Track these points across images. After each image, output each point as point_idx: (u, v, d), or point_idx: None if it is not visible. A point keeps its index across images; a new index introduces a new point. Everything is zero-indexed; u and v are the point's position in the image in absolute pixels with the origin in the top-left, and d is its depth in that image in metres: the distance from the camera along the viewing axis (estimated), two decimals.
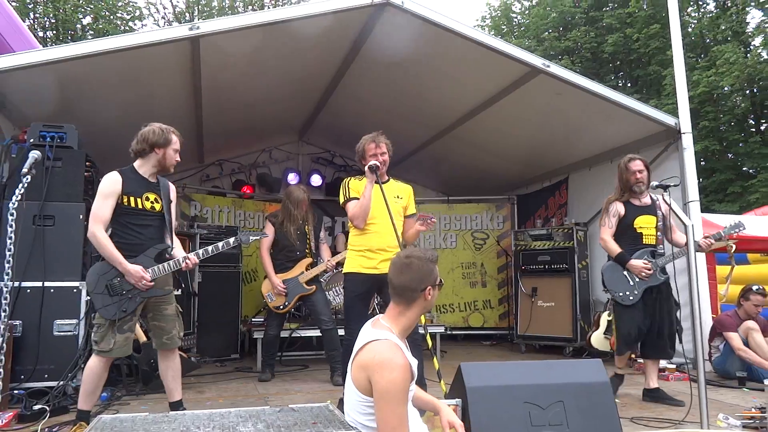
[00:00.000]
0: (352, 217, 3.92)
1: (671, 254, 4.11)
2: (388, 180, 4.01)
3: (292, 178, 8.21)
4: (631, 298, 4.15)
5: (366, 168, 3.81)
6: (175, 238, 3.51)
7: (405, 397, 1.92)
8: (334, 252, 6.15)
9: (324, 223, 8.15)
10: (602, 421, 2.54)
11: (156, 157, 3.36)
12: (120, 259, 3.17)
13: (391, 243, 3.82)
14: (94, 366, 3.20)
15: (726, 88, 16.08)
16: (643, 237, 4.24)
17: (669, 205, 3.40)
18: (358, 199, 3.91)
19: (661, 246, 4.26)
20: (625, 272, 4.20)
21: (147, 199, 3.33)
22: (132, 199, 3.28)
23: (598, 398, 2.57)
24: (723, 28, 16.99)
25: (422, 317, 3.78)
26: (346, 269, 4.02)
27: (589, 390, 2.58)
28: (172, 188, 3.56)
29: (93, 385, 3.21)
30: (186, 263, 3.36)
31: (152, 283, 3.24)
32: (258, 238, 3.96)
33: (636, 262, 4.14)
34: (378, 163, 3.81)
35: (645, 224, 4.23)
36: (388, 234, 3.82)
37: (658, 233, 4.25)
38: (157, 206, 3.37)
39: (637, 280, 4.16)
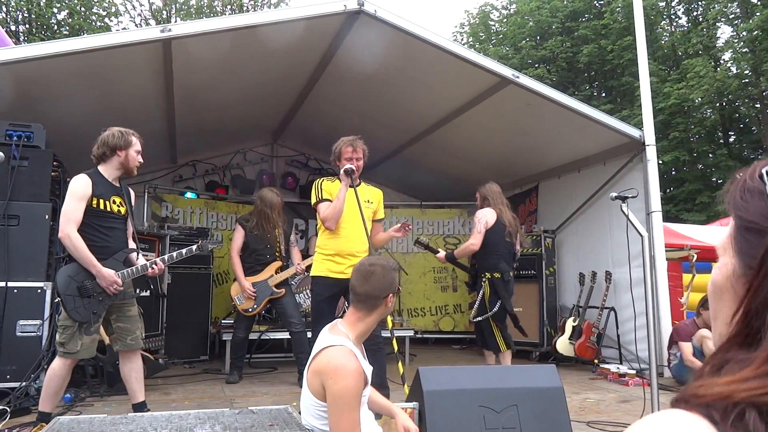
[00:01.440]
0: (324, 219, 3.94)
1: None
2: (359, 183, 4.05)
3: (267, 181, 8.22)
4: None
5: (342, 171, 3.87)
6: (132, 236, 3.55)
7: (357, 403, 1.97)
8: (307, 255, 6.19)
9: (297, 226, 8.21)
10: (555, 425, 2.63)
11: (118, 159, 3.38)
12: (94, 262, 3.19)
13: (360, 248, 3.88)
14: (58, 368, 3.20)
15: (696, 101, 16.51)
16: None
17: (626, 216, 3.50)
18: (330, 200, 3.94)
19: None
20: None
21: (114, 202, 3.37)
22: (101, 201, 3.31)
23: (551, 403, 2.65)
24: (694, 42, 17.44)
25: (389, 321, 3.85)
26: (313, 273, 4.06)
27: (542, 395, 2.67)
28: (133, 194, 3.61)
29: (56, 387, 3.21)
30: (153, 269, 3.38)
31: (122, 287, 3.26)
32: (217, 246, 3.99)
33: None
34: (353, 167, 3.87)
35: None
36: (357, 238, 3.88)
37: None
38: (122, 209, 3.41)
39: None
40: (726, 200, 0.62)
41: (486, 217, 4.79)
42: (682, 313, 5.94)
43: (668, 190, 17.49)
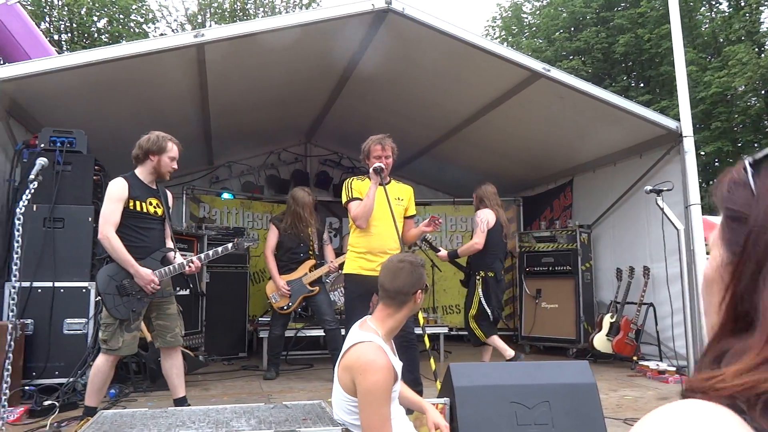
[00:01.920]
0: (354, 217, 3.97)
1: None
2: (389, 181, 4.07)
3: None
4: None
5: (371, 169, 3.89)
6: (170, 238, 3.66)
7: (387, 398, 2.00)
8: (341, 253, 6.25)
9: (331, 224, 8.28)
10: (588, 421, 2.61)
11: (151, 163, 3.48)
12: (132, 262, 3.31)
13: (392, 245, 3.90)
14: (101, 364, 3.33)
15: (739, 89, 15.96)
16: None
17: (662, 209, 3.44)
18: (360, 199, 3.97)
19: None
20: None
21: (150, 203, 3.49)
22: (138, 203, 3.42)
23: (583, 399, 2.64)
24: (736, 27, 16.84)
25: (421, 317, 3.87)
26: (346, 270, 4.11)
27: (575, 391, 2.65)
28: (170, 196, 3.71)
29: (100, 383, 3.34)
30: (189, 267, 3.48)
31: (159, 287, 3.37)
32: (252, 244, 4.08)
33: None
34: (383, 166, 3.89)
35: None
36: (389, 236, 3.90)
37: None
38: (159, 211, 3.52)
39: None
40: (715, 194, 0.65)
41: (487, 217, 5.01)
42: None
43: (711, 182, 16.97)
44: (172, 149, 3.50)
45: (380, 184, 3.90)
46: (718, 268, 0.61)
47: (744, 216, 0.59)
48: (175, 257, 3.54)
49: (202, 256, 3.59)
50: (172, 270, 3.45)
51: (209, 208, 7.72)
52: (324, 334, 5.44)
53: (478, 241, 4.91)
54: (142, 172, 3.51)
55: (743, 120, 16.93)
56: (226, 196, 7.89)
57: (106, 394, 3.64)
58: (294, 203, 5.40)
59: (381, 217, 3.93)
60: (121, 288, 3.31)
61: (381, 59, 5.61)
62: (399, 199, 4.09)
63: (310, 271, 5.37)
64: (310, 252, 5.44)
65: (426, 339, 3.79)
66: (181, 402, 3.53)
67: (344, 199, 4.11)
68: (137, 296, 3.35)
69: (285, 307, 5.28)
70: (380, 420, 1.96)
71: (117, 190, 3.38)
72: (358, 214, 3.94)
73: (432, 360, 3.67)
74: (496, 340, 4.99)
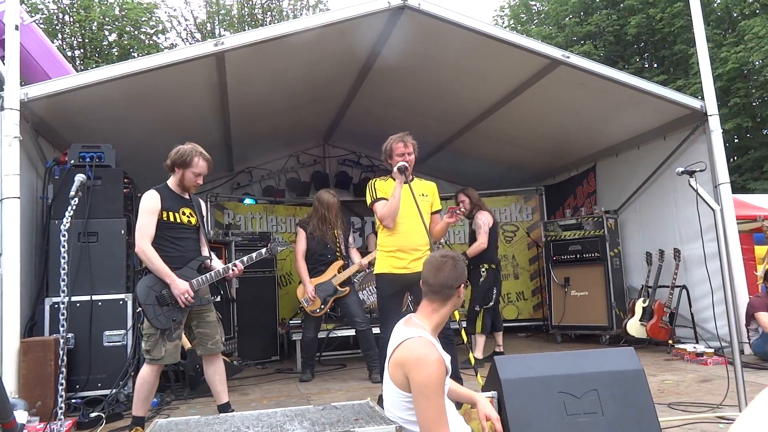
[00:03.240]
0: (381, 218, 3.98)
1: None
2: (413, 178, 4.05)
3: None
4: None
5: (395, 169, 3.88)
6: (206, 245, 3.70)
7: (442, 391, 2.02)
8: (365, 252, 6.26)
9: (354, 224, 8.29)
10: (637, 407, 2.59)
11: (177, 176, 3.53)
12: (168, 273, 3.35)
13: (421, 242, 3.90)
14: (146, 374, 3.38)
15: (756, 63, 15.68)
16: None
17: (696, 191, 3.39)
18: (385, 199, 3.98)
19: None
20: None
21: (183, 213, 3.53)
22: (171, 214, 3.47)
23: (631, 385, 2.61)
24: (750, 1, 16.56)
25: (456, 313, 3.85)
26: (377, 270, 4.11)
27: (622, 378, 2.63)
28: (203, 204, 3.77)
29: (146, 392, 3.39)
30: (233, 271, 3.52)
31: (193, 299, 3.40)
32: (285, 248, 4.10)
33: None
34: (407, 164, 3.88)
35: None
36: (417, 233, 3.90)
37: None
38: (193, 220, 3.57)
39: None
40: None
41: (487, 219, 5.78)
42: (757, 287, 5.70)
43: (732, 160, 16.70)
44: (198, 165, 3.48)
45: (405, 183, 3.89)
46: None
47: None
48: (212, 264, 3.58)
49: (245, 259, 3.62)
50: (210, 277, 3.50)
51: (233, 214, 7.78)
52: (355, 334, 5.46)
53: (483, 240, 5.67)
54: (173, 183, 3.56)
55: (762, 95, 16.63)
56: (248, 201, 7.95)
57: (146, 420, 3.68)
58: (320, 205, 5.42)
59: (408, 215, 3.93)
60: (160, 298, 3.36)
61: (398, 56, 5.61)
62: (424, 195, 4.08)
63: (339, 272, 5.39)
64: (338, 253, 5.45)
65: (463, 333, 3.79)
66: (225, 408, 3.57)
67: (369, 201, 4.11)
68: (177, 305, 3.39)
69: (317, 310, 5.31)
70: (437, 412, 1.97)
71: (150, 202, 3.42)
72: (384, 214, 3.94)
73: (471, 355, 3.67)
74: (481, 339, 5.72)
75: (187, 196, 3.61)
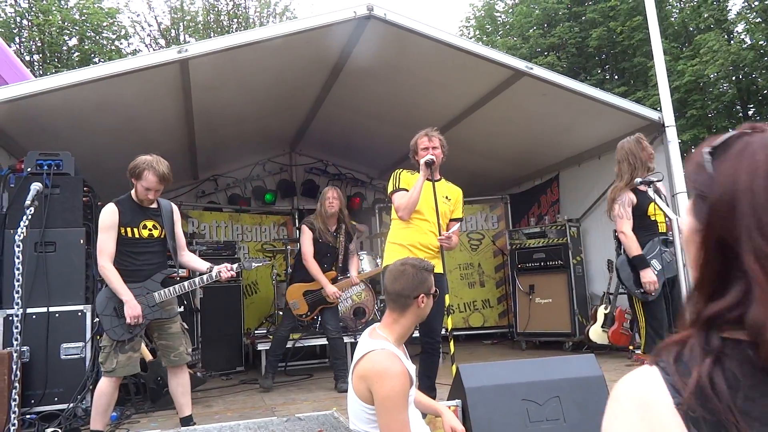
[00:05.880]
0: (398, 208, 3.82)
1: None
2: (440, 179, 3.93)
3: None
4: (653, 293, 3.88)
5: (422, 162, 3.75)
6: (188, 253, 3.67)
7: (405, 404, 2.01)
8: None
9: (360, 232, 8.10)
10: (598, 413, 2.63)
11: (134, 187, 3.48)
12: (123, 292, 3.32)
13: (434, 243, 3.76)
14: (104, 386, 3.31)
15: (712, 76, 16.24)
16: (657, 225, 3.97)
17: (654, 201, 3.49)
18: (406, 190, 3.82)
19: (670, 233, 3.98)
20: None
21: (144, 227, 3.47)
22: (129, 229, 3.43)
23: (592, 392, 2.66)
24: (705, 16, 17.17)
25: (449, 322, 3.82)
26: (386, 264, 3.81)
27: (583, 384, 2.68)
28: (175, 209, 3.67)
29: (104, 405, 3.31)
30: (229, 273, 3.51)
31: (148, 317, 3.36)
32: (261, 264, 4.04)
33: (649, 277, 3.84)
34: (434, 158, 3.75)
35: (657, 211, 3.91)
36: (431, 233, 3.76)
37: (667, 219, 3.95)
38: (156, 232, 3.51)
39: (657, 272, 3.90)
40: (685, 173, 0.85)
41: None
42: None
43: None
44: (146, 179, 3.39)
45: (429, 179, 3.77)
46: (691, 232, 0.76)
47: (705, 195, 0.73)
48: (194, 265, 3.61)
49: (233, 266, 3.60)
50: (175, 290, 3.47)
51: (198, 222, 7.67)
52: (325, 342, 5.43)
53: None
54: (134, 193, 3.51)
55: (717, 107, 17.24)
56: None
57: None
58: (323, 205, 5.20)
59: (425, 212, 3.79)
60: (118, 309, 3.32)
61: (365, 65, 5.63)
62: (447, 198, 3.92)
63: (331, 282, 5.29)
64: (334, 266, 5.32)
65: (452, 343, 3.75)
66: (187, 421, 3.50)
67: (390, 189, 3.93)
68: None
69: (304, 315, 5.26)
70: (400, 426, 1.96)
71: (106, 218, 3.40)
72: (401, 205, 3.77)
73: (453, 366, 3.61)
74: None
75: (154, 206, 3.54)
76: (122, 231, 3.41)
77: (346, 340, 5.71)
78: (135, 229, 3.45)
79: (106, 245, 3.37)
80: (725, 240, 0.69)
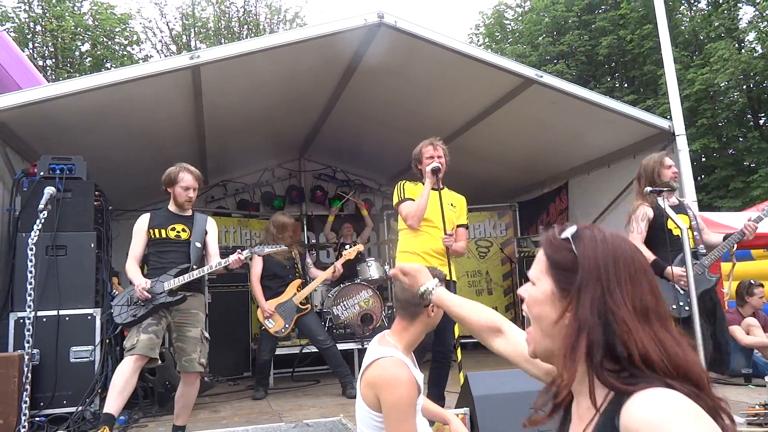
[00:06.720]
0: (406, 217, 3.86)
1: (715, 252, 3.84)
2: (443, 188, 3.97)
3: None
4: (686, 308, 3.63)
5: (428, 169, 3.79)
6: (217, 258, 3.74)
7: (413, 412, 2.00)
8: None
9: (337, 236, 8.16)
10: None
11: (172, 195, 3.72)
12: (133, 276, 3.58)
13: (443, 249, 3.80)
14: (124, 365, 3.38)
15: (722, 85, 16.19)
16: (681, 240, 3.66)
17: (664, 209, 3.48)
18: (412, 200, 3.87)
19: (701, 246, 3.93)
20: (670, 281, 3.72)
21: (173, 229, 3.67)
22: (157, 231, 3.68)
23: None
24: (716, 25, 17.13)
25: (457, 330, 3.82)
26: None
27: None
28: (210, 221, 3.86)
29: (120, 384, 3.31)
30: (238, 259, 3.58)
31: (149, 295, 3.48)
32: (273, 250, 4.04)
33: (674, 269, 3.70)
34: (440, 165, 3.80)
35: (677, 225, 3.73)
36: (440, 240, 3.80)
37: (695, 234, 3.89)
38: (184, 235, 3.68)
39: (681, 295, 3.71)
40: (543, 244, 1.06)
41: None
42: (724, 303, 5.82)
43: (699, 179, 17.14)
44: (183, 179, 3.68)
45: (434, 188, 3.81)
46: (549, 294, 0.99)
47: (570, 269, 0.96)
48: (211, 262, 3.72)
49: (244, 252, 3.67)
50: (185, 278, 3.55)
51: None
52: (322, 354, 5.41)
53: None
54: (171, 204, 3.77)
55: (727, 116, 17.16)
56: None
57: (116, 421, 3.60)
58: (273, 228, 5.41)
59: (433, 220, 3.84)
60: (130, 298, 3.54)
61: (375, 72, 5.66)
62: (452, 205, 3.99)
63: (299, 290, 5.35)
64: (297, 273, 5.43)
65: (458, 351, 3.76)
66: (176, 429, 3.61)
67: (395, 200, 3.99)
68: (140, 304, 3.52)
69: (282, 330, 5.26)
70: None
71: (137, 224, 3.74)
72: (410, 213, 3.82)
73: (461, 374, 3.61)
74: None
75: (186, 214, 3.76)
76: (151, 233, 3.67)
77: (353, 346, 5.71)
78: (163, 230, 3.68)
79: (133, 249, 3.67)
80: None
